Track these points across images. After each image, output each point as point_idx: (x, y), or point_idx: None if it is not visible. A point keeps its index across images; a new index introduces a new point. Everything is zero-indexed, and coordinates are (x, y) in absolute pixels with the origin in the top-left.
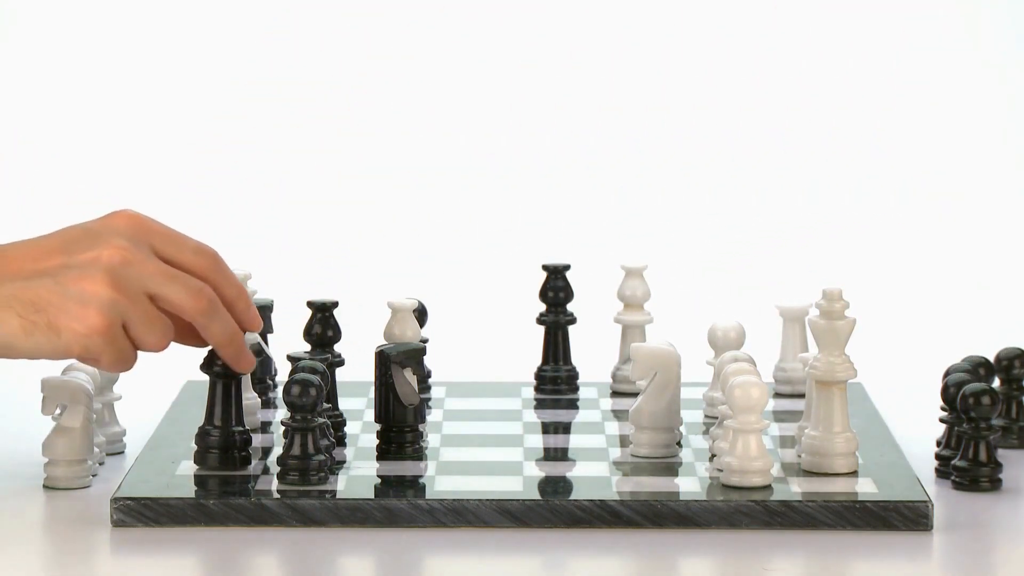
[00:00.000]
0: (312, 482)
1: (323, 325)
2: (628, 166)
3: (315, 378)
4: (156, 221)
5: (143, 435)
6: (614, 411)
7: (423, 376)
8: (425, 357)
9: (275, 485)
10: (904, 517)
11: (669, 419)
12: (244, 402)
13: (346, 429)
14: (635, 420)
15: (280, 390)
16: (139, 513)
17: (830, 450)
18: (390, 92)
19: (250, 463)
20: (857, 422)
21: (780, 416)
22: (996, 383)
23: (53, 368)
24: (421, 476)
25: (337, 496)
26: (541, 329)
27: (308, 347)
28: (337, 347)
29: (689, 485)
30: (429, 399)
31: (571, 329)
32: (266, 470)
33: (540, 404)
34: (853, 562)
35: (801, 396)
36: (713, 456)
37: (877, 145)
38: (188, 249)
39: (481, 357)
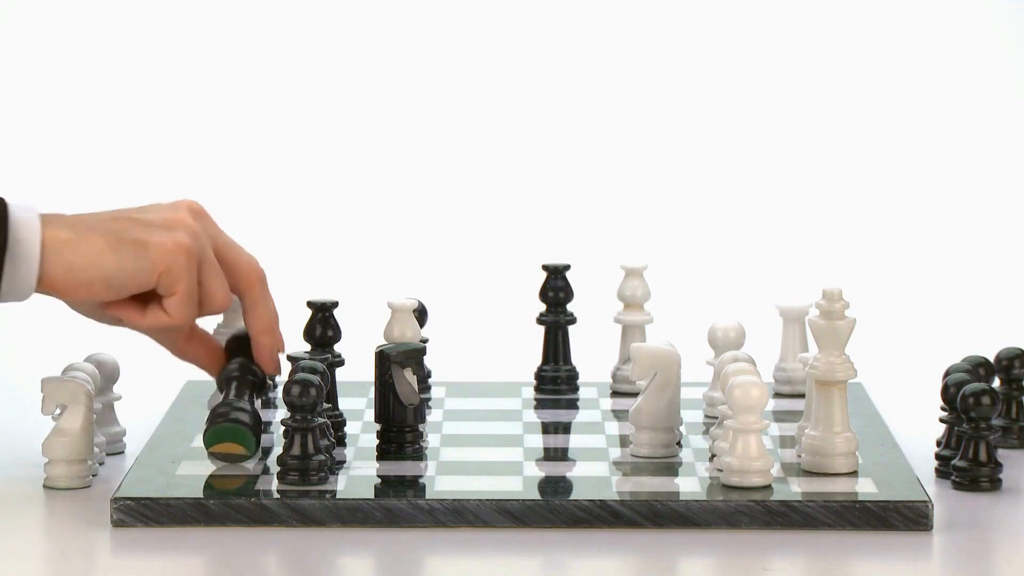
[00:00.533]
0: (312, 482)
1: (323, 325)
2: (628, 166)
3: (315, 378)
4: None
5: (143, 435)
6: (614, 411)
7: (423, 376)
8: (425, 357)
9: (275, 485)
10: (904, 517)
11: (669, 419)
12: None
13: (346, 429)
14: (635, 420)
15: (280, 390)
16: (139, 513)
17: (830, 450)
18: (391, 92)
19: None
20: (857, 422)
21: (780, 416)
22: (996, 383)
23: (53, 368)
24: (421, 476)
25: (337, 496)
26: (541, 329)
27: (308, 347)
28: (337, 347)
29: (689, 485)
30: (429, 399)
31: (571, 329)
32: (266, 470)
33: (540, 404)
34: (853, 562)
35: (801, 396)
36: (713, 456)
37: (877, 145)
38: (241, 251)
39: (481, 357)
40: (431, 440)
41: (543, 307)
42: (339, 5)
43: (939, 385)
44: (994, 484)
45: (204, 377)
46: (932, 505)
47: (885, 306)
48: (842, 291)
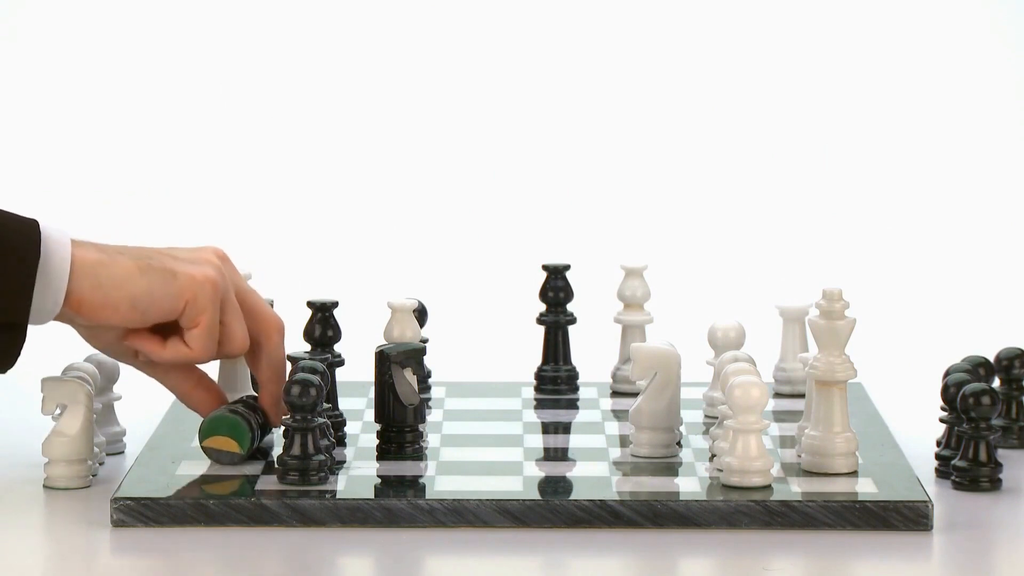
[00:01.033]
0: (312, 482)
1: (323, 325)
2: (628, 166)
3: (315, 378)
4: None
5: (143, 435)
6: (614, 411)
7: (423, 376)
8: (425, 357)
9: (275, 485)
10: (904, 517)
11: (669, 419)
12: None
13: (346, 429)
14: (635, 420)
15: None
16: (139, 513)
17: (830, 450)
18: (391, 92)
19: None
20: (857, 422)
21: (780, 416)
22: (996, 383)
23: (53, 368)
24: (421, 476)
25: (337, 496)
26: (541, 329)
27: (308, 347)
28: (337, 347)
29: (689, 485)
30: (429, 399)
31: (571, 329)
32: (266, 470)
33: (540, 404)
34: (853, 562)
35: (801, 396)
36: (713, 456)
37: (877, 145)
38: (261, 299)
39: (481, 357)
40: (431, 440)
41: (543, 307)
42: (339, 5)
43: (939, 385)
44: (994, 484)
45: None
46: (932, 505)
47: (885, 306)
48: (842, 291)
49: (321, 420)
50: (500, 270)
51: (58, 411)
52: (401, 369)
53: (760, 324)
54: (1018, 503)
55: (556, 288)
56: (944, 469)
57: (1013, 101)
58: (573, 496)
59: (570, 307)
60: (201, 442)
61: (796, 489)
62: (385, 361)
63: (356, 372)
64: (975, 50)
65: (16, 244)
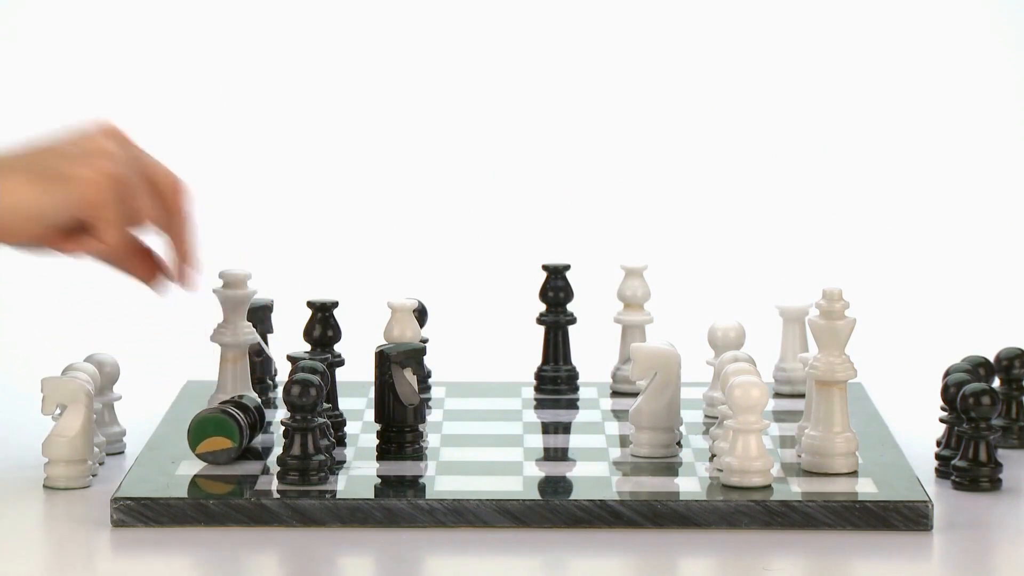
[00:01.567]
0: (312, 482)
1: (323, 325)
2: (628, 166)
3: (315, 378)
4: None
5: (143, 435)
6: (614, 411)
7: (423, 376)
8: (425, 357)
9: (275, 485)
10: (904, 517)
11: (669, 419)
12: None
13: (346, 429)
14: (635, 420)
15: (280, 390)
16: (139, 513)
17: (830, 450)
18: (391, 93)
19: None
20: (857, 422)
21: (780, 416)
22: (996, 383)
23: (53, 368)
24: (421, 476)
25: (337, 496)
26: (541, 329)
27: (308, 347)
28: (337, 347)
29: (689, 485)
30: (429, 399)
31: (571, 329)
32: (266, 470)
33: (540, 404)
34: (853, 562)
35: (801, 396)
36: (713, 456)
37: (877, 145)
38: (158, 163)
39: (481, 357)
40: (431, 440)
41: (543, 307)
42: (339, 5)
43: (939, 385)
44: (994, 484)
45: (204, 377)
46: (932, 505)
47: (885, 306)
48: (842, 291)
49: (321, 420)
50: (500, 270)
51: (58, 411)
52: (401, 369)
53: (760, 324)
54: (1018, 503)
55: (556, 288)
56: (944, 469)
57: (1013, 101)
58: (573, 496)
59: (570, 307)
60: (194, 450)
61: (796, 489)
62: (385, 361)
63: (356, 372)
64: (975, 50)
65: None
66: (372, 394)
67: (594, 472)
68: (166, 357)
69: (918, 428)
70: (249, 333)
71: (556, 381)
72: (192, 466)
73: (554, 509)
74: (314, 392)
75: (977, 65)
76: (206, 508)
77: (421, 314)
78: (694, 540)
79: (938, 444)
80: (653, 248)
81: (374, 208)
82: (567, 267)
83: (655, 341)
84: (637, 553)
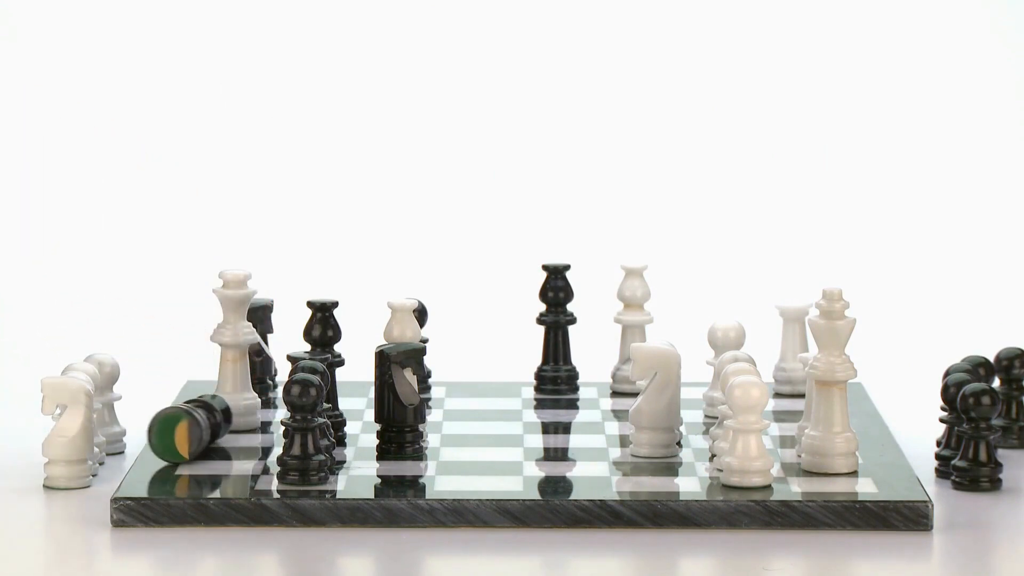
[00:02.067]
0: (312, 482)
1: (323, 325)
2: (628, 166)
3: (315, 378)
4: None
5: (143, 435)
6: (614, 411)
7: (423, 376)
8: (425, 357)
9: (275, 485)
10: (904, 517)
11: (669, 419)
12: (243, 402)
13: (346, 429)
14: (635, 420)
15: (280, 390)
16: (139, 513)
17: (830, 450)
18: (391, 93)
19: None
20: (857, 422)
21: (780, 416)
22: (996, 383)
23: (53, 368)
24: (421, 476)
25: (337, 496)
26: (541, 329)
27: (308, 347)
28: (337, 347)
29: (689, 485)
30: (429, 399)
31: (571, 329)
32: (266, 470)
33: (540, 404)
34: (853, 562)
35: (801, 396)
36: (713, 456)
37: (877, 145)
38: None
39: (481, 357)
40: (431, 440)
41: (543, 307)
42: (339, 6)
43: (939, 385)
44: (994, 484)
45: (204, 377)
46: (932, 505)
47: (885, 306)
48: (842, 291)
49: (321, 420)
50: (500, 270)
51: (58, 411)
52: (401, 369)
53: (760, 324)
54: (1018, 503)
55: (556, 288)
56: (944, 469)
57: (1013, 101)
58: (573, 496)
59: (570, 307)
60: (163, 456)
61: (796, 489)
62: (385, 361)
63: (356, 372)
64: (975, 50)
65: None
66: (372, 394)
67: (594, 472)
68: (166, 357)
69: (918, 428)
70: (249, 333)
71: (556, 381)
72: (192, 466)
73: (554, 509)
74: (314, 392)
75: (977, 65)
76: (206, 508)
77: (421, 314)
78: (694, 540)
79: (938, 444)
80: (653, 248)
81: (374, 208)
82: (567, 267)
83: (655, 341)
84: (637, 553)
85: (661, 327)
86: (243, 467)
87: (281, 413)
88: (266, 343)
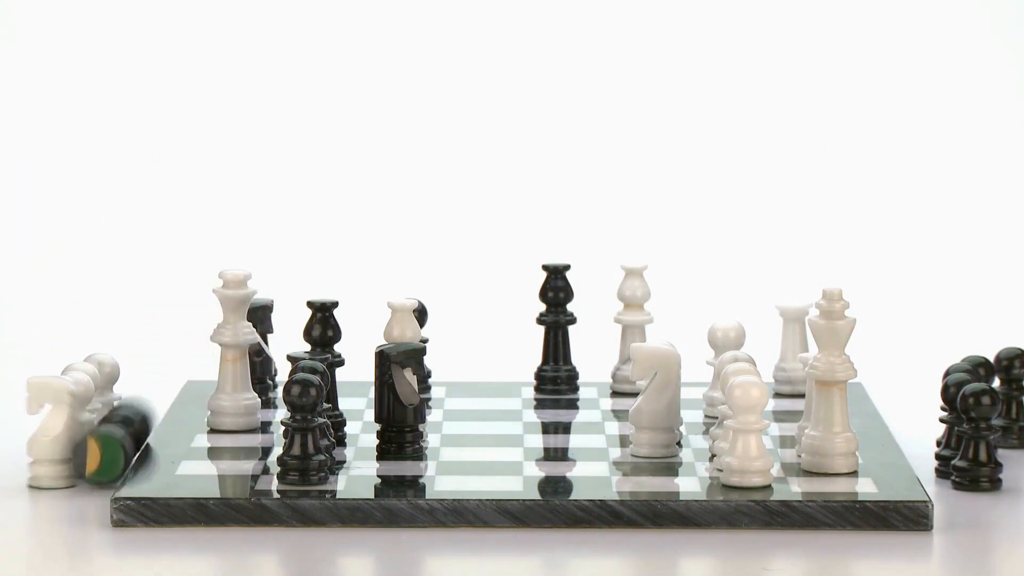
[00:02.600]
0: (312, 482)
1: (323, 325)
2: (628, 166)
3: (315, 378)
4: None
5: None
6: (614, 411)
7: (423, 376)
8: (425, 357)
9: (275, 485)
10: (904, 517)
11: (669, 419)
12: (243, 402)
13: (346, 429)
14: (635, 420)
15: (280, 390)
16: (139, 513)
17: (830, 450)
18: (391, 93)
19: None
20: (857, 422)
21: (780, 416)
22: (996, 383)
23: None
24: (421, 476)
25: (337, 496)
26: (541, 329)
27: (308, 347)
28: (337, 347)
29: (689, 485)
30: (429, 399)
31: (571, 329)
32: (266, 470)
33: (540, 404)
34: (853, 562)
35: (801, 396)
36: (713, 456)
37: (877, 145)
38: None
39: (481, 357)
40: (431, 440)
41: (543, 307)
42: (339, 6)
43: (939, 385)
44: (994, 484)
45: (204, 377)
46: (932, 505)
47: (885, 306)
48: (842, 291)
49: (321, 420)
50: (500, 270)
51: (44, 411)
52: (401, 369)
53: (760, 324)
54: (1018, 503)
55: (556, 288)
56: (944, 469)
57: (1013, 101)
58: (573, 496)
59: (570, 307)
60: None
61: (796, 489)
62: (385, 361)
63: (356, 372)
64: (975, 50)
65: None
66: (372, 394)
67: (594, 472)
68: (166, 357)
69: (918, 428)
70: (249, 333)
71: (556, 381)
72: (192, 466)
73: (554, 509)
74: (314, 392)
75: (977, 65)
76: (206, 508)
77: (421, 314)
78: (694, 540)
79: (938, 444)
80: (653, 248)
81: (374, 208)
82: (567, 267)
83: (655, 341)
84: (637, 553)
85: (661, 327)
86: (243, 467)
87: (281, 413)
88: (266, 343)
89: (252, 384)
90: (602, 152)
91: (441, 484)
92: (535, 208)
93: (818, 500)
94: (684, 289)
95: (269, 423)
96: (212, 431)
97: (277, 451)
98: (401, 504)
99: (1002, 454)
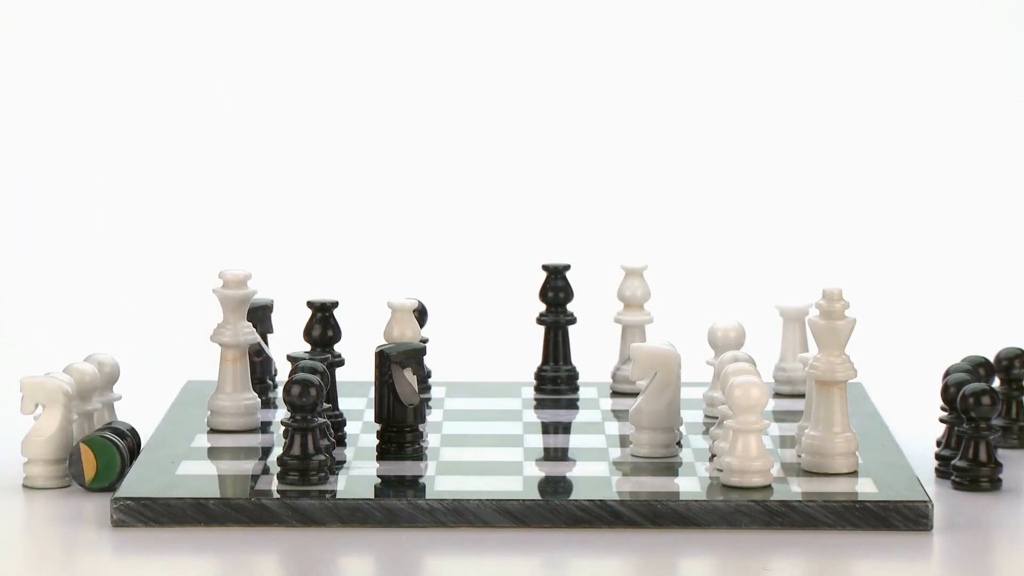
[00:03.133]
0: (312, 482)
1: (323, 325)
2: (628, 166)
3: (315, 378)
4: None
5: (143, 435)
6: (614, 411)
7: (423, 376)
8: (425, 357)
9: (275, 485)
10: (904, 517)
11: (669, 419)
12: (243, 402)
13: (346, 429)
14: (635, 420)
15: (280, 390)
16: (139, 513)
17: (830, 450)
18: (391, 93)
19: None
20: (857, 422)
21: (780, 416)
22: (996, 383)
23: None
24: (421, 476)
25: (337, 496)
26: (541, 329)
27: (308, 347)
28: (337, 347)
29: (689, 485)
30: (429, 399)
31: (571, 329)
32: (266, 470)
33: (540, 404)
34: (853, 562)
35: (801, 396)
36: (713, 456)
37: (877, 145)
38: None
39: (481, 357)
40: (431, 440)
41: (543, 307)
42: (339, 6)
43: (939, 385)
44: (994, 484)
45: (204, 377)
46: (932, 505)
47: (885, 306)
48: (842, 291)
49: (321, 420)
50: (500, 270)
51: (38, 411)
52: (401, 369)
53: (760, 324)
54: (1018, 503)
55: (556, 288)
56: (944, 469)
57: (1013, 101)
58: (573, 496)
59: (570, 307)
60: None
61: (796, 489)
62: (385, 361)
63: (356, 372)
64: (975, 50)
65: None
66: (372, 394)
67: (594, 472)
68: (166, 357)
69: (918, 428)
70: (249, 333)
71: (556, 381)
72: (192, 466)
73: (554, 509)
74: (314, 392)
75: (977, 65)
76: (206, 508)
77: (421, 314)
78: (694, 540)
79: (938, 444)
80: (653, 248)
81: (374, 208)
82: (567, 267)
83: (655, 341)
84: (637, 553)
85: (661, 327)
86: (243, 467)
87: (281, 413)
88: (266, 343)
89: (252, 384)
90: (602, 152)
91: (441, 484)
92: (535, 208)
93: (818, 500)
94: (684, 289)
95: (269, 423)
96: (212, 431)
97: (277, 451)
98: (401, 504)
99: (1002, 454)
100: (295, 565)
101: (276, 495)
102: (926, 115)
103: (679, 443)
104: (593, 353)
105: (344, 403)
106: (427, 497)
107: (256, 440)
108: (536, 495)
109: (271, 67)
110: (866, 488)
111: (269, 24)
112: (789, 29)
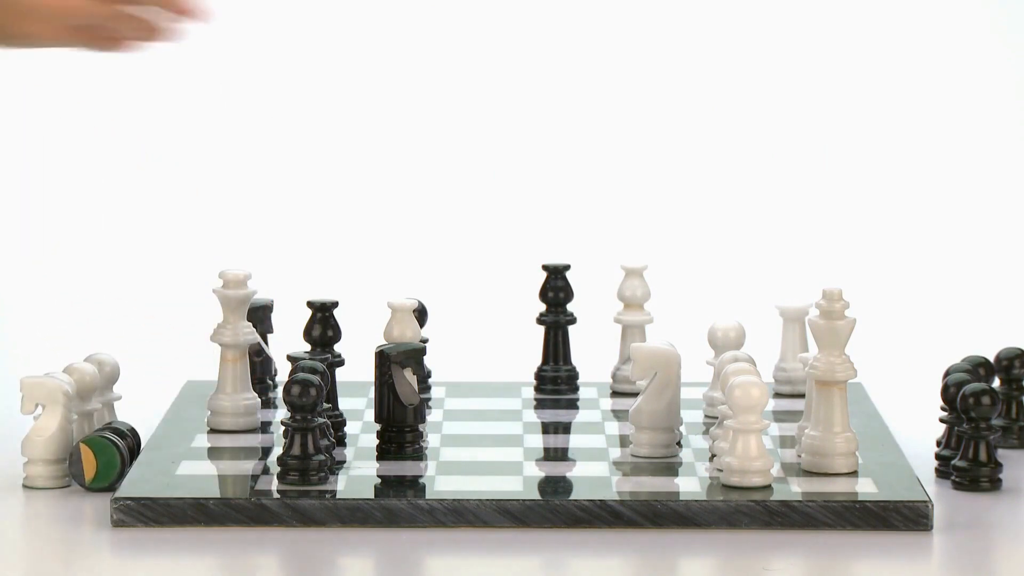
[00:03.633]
0: (312, 482)
1: (323, 325)
2: (628, 166)
3: (315, 378)
4: None
5: (143, 435)
6: (614, 411)
7: (423, 376)
8: (425, 357)
9: (275, 485)
10: (904, 517)
11: (669, 419)
12: (243, 402)
13: (346, 429)
14: (635, 420)
15: (280, 390)
16: (139, 513)
17: (830, 450)
18: (391, 92)
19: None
20: (857, 422)
21: (780, 416)
22: (996, 383)
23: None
24: (421, 476)
25: (337, 496)
26: (541, 329)
27: (308, 347)
28: (337, 347)
29: (689, 485)
30: (429, 399)
31: (571, 329)
32: (266, 470)
33: (540, 404)
34: (853, 562)
35: (801, 396)
36: (713, 456)
37: (877, 145)
38: None
39: (481, 357)
40: (431, 440)
41: (543, 307)
42: (339, 6)
43: (939, 385)
44: (994, 484)
45: (204, 377)
46: (932, 505)
47: (885, 306)
48: (842, 291)
49: (321, 420)
50: (500, 270)
51: (38, 410)
52: (401, 369)
53: (760, 324)
54: (1018, 503)
55: (556, 288)
56: (944, 469)
57: (1013, 101)
58: (573, 496)
59: (570, 307)
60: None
61: (796, 489)
62: (385, 361)
63: (356, 372)
64: (975, 50)
65: None
66: (372, 394)
67: (594, 472)
68: (166, 357)
69: (918, 428)
70: (249, 333)
71: (556, 381)
72: (192, 466)
73: (554, 509)
74: (314, 392)
75: (977, 65)
76: (206, 508)
77: (421, 314)
78: (694, 540)
79: (938, 444)
80: (653, 248)
81: (374, 208)
82: (567, 267)
83: (655, 341)
84: (637, 553)
85: (661, 327)
86: (243, 467)
87: (281, 413)
88: (266, 343)
89: (252, 384)
90: (602, 152)
91: (441, 484)
92: (535, 208)
93: (818, 500)
94: (684, 289)
95: (269, 423)
96: (212, 431)
97: (277, 451)
98: (401, 504)
99: (1002, 454)
100: (295, 565)
101: (276, 495)
102: (926, 115)
103: (679, 443)
104: (593, 353)
105: (344, 403)
106: (427, 497)
107: (256, 440)
108: (536, 495)
109: (271, 67)
110: (866, 488)
111: (269, 24)
112: (789, 29)
